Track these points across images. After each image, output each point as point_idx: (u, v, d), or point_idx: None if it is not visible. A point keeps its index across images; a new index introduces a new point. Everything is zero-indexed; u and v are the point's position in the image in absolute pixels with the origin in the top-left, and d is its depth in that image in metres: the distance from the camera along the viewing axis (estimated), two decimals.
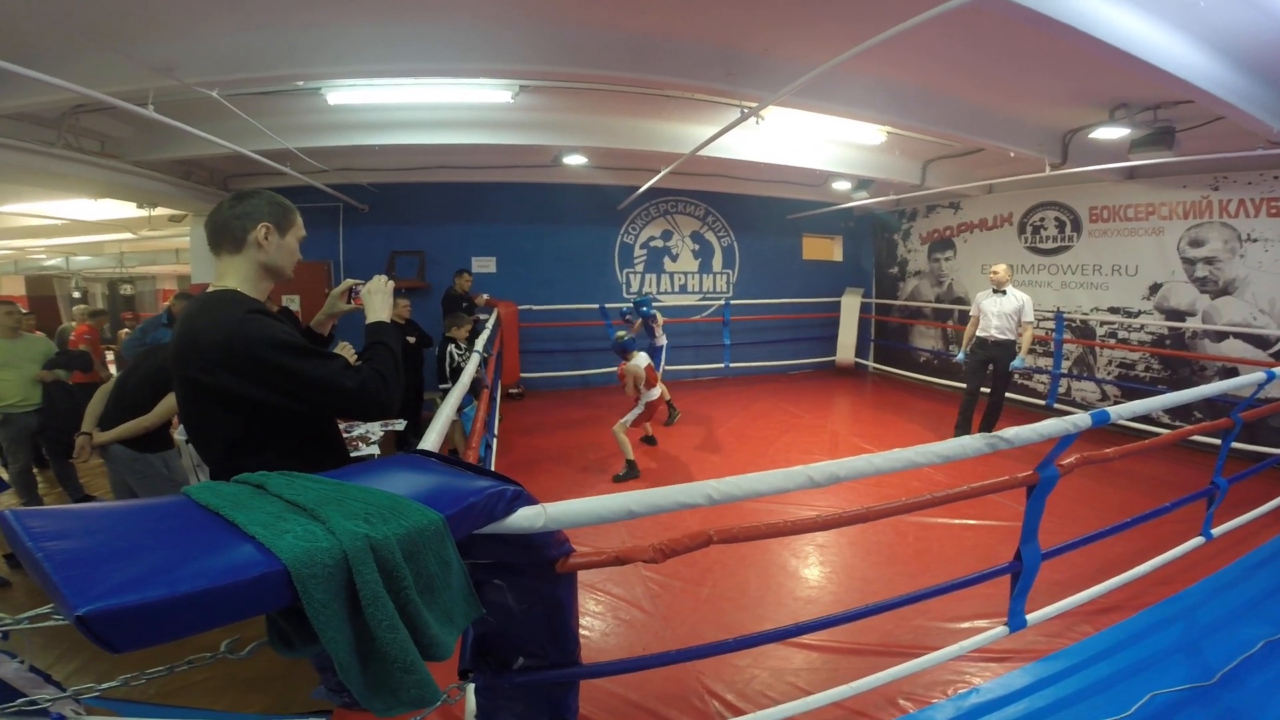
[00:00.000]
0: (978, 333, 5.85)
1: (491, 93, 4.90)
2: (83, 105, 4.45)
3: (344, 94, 4.75)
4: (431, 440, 1.82)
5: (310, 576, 0.87)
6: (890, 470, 1.75)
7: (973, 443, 1.88)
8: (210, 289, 1.64)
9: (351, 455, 4.18)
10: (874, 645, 2.80)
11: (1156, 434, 4.88)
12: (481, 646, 1.77)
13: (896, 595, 3.18)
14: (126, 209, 8.00)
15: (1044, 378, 7.33)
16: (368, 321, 1.77)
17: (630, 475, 5.19)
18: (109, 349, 8.47)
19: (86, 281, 15.12)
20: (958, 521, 4.03)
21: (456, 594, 1.09)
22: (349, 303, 2.02)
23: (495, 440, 5.78)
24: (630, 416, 5.36)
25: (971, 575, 2.29)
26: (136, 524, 0.93)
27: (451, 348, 5.49)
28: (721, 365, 9.18)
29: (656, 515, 1.57)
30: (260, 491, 1.06)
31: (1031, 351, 6.46)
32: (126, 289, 15.99)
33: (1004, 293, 5.67)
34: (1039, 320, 6.54)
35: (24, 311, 5.09)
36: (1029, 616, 2.46)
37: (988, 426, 5.84)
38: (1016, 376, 6.35)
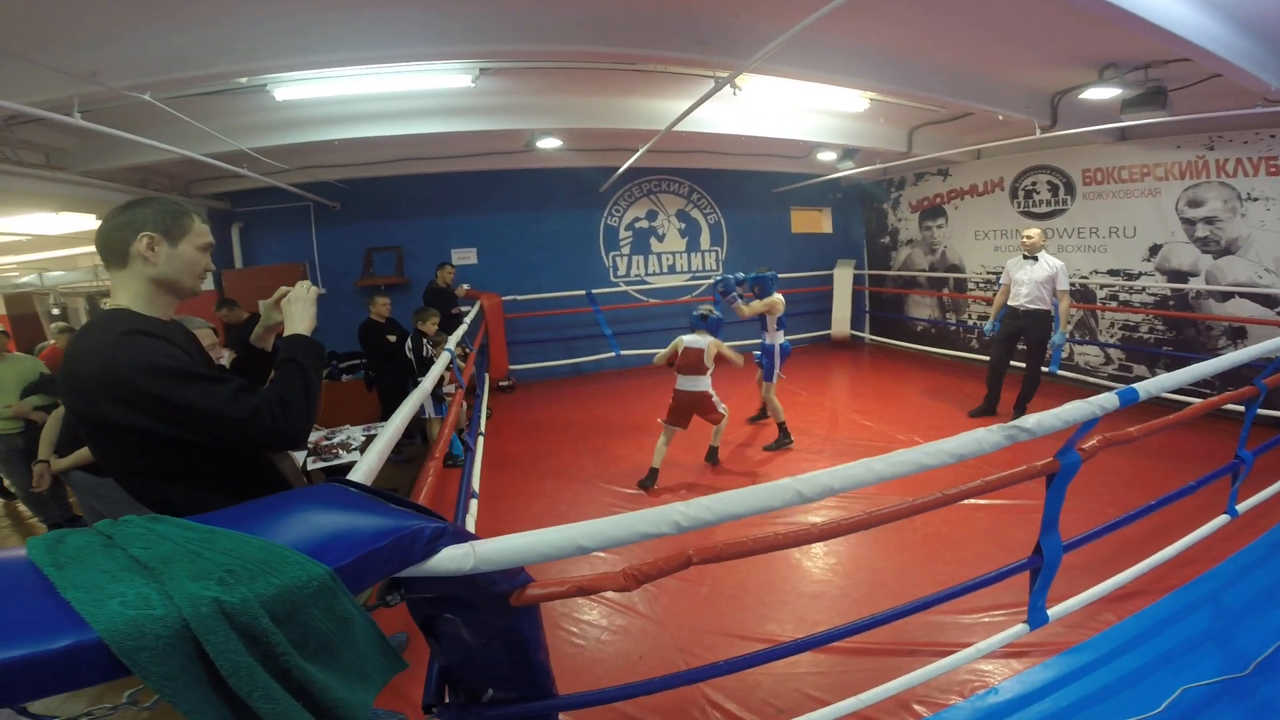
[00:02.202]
0: (1010, 302, 5.58)
1: (451, 78, 4.64)
2: (15, 117, 4.20)
3: (292, 89, 4.48)
4: (365, 467, 1.61)
5: (139, 649, 0.76)
6: (895, 476, 1.55)
7: (989, 436, 1.68)
8: (103, 308, 1.46)
9: (333, 463, 4.05)
10: (885, 644, 2.63)
11: (1176, 403, 4.73)
12: (449, 678, 1.61)
13: (906, 585, 3.11)
14: (89, 221, 7.71)
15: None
16: (284, 334, 1.58)
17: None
18: None
19: (65, 297, 14.74)
20: (969, 501, 3.85)
21: (367, 649, 0.98)
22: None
23: (482, 438, 5.60)
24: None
25: (988, 575, 2.11)
26: None
27: (425, 342, 5.29)
28: None
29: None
30: (108, 543, 0.89)
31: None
32: (106, 302, 15.59)
33: (1035, 259, 5.39)
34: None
35: (3, 330, 4.93)
36: (1050, 611, 2.29)
37: (1022, 404, 5.65)
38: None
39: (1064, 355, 6.93)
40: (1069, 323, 5.45)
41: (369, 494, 1.19)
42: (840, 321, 9.78)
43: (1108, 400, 1.93)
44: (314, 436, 4.72)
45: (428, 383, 2.91)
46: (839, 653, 2.63)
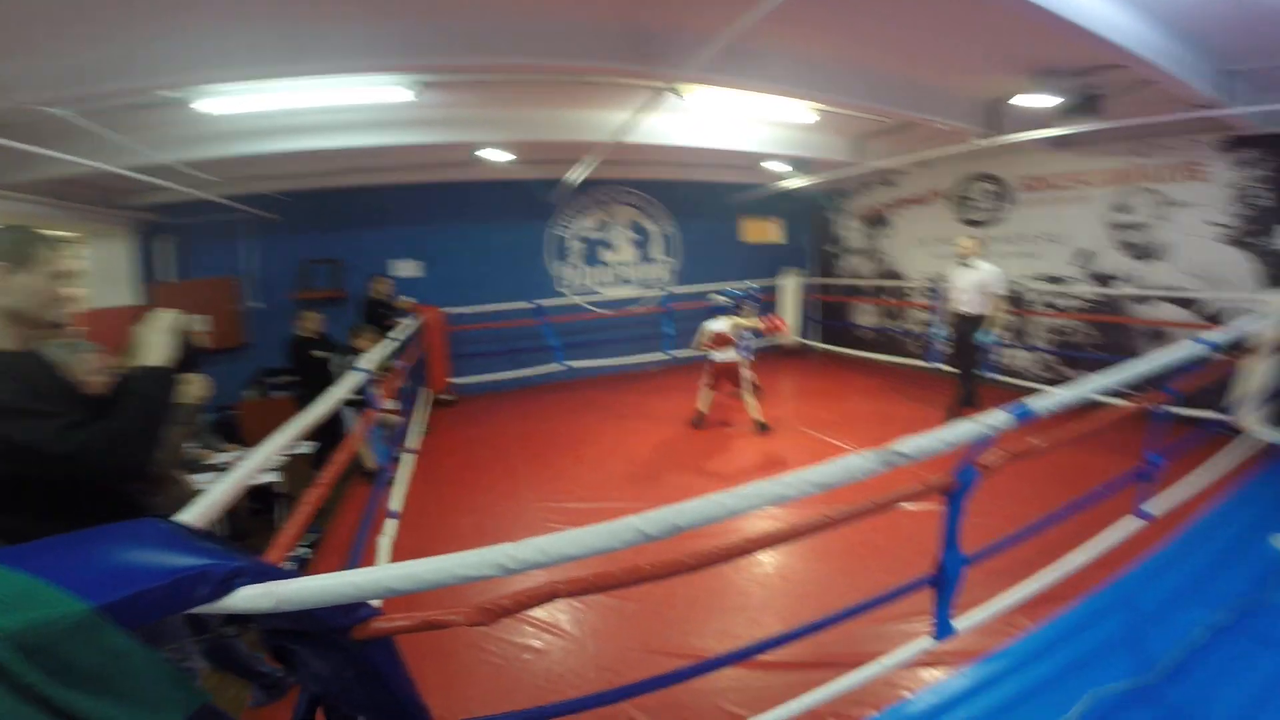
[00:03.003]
0: (951, 307, 5.80)
1: (391, 92, 4.49)
2: None
3: (214, 103, 4.28)
4: (201, 506, 1.52)
5: None
6: (748, 510, 1.48)
7: (862, 463, 1.61)
8: None
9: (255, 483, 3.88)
10: (803, 658, 2.58)
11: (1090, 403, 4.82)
12: (321, 706, 1.54)
13: (830, 596, 3.07)
14: None
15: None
16: (134, 364, 1.55)
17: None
18: None
19: None
20: (903, 505, 3.85)
21: (153, 681, 0.99)
22: None
23: (413, 455, 5.46)
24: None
25: (889, 591, 2.09)
26: None
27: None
28: (666, 355, 8.95)
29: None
30: None
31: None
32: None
33: (971, 266, 5.60)
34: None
35: None
36: (957, 622, 2.27)
37: (957, 406, 5.73)
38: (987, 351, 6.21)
39: (999, 359, 7.08)
40: (997, 325, 5.59)
41: (182, 532, 1.18)
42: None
43: (999, 419, 1.90)
44: (227, 456, 4.54)
45: (323, 407, 2.78)
46: (759, 667, 2.58)
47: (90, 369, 2.17)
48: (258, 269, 7.70)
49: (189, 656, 2.01)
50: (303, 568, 3.81)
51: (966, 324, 5.63)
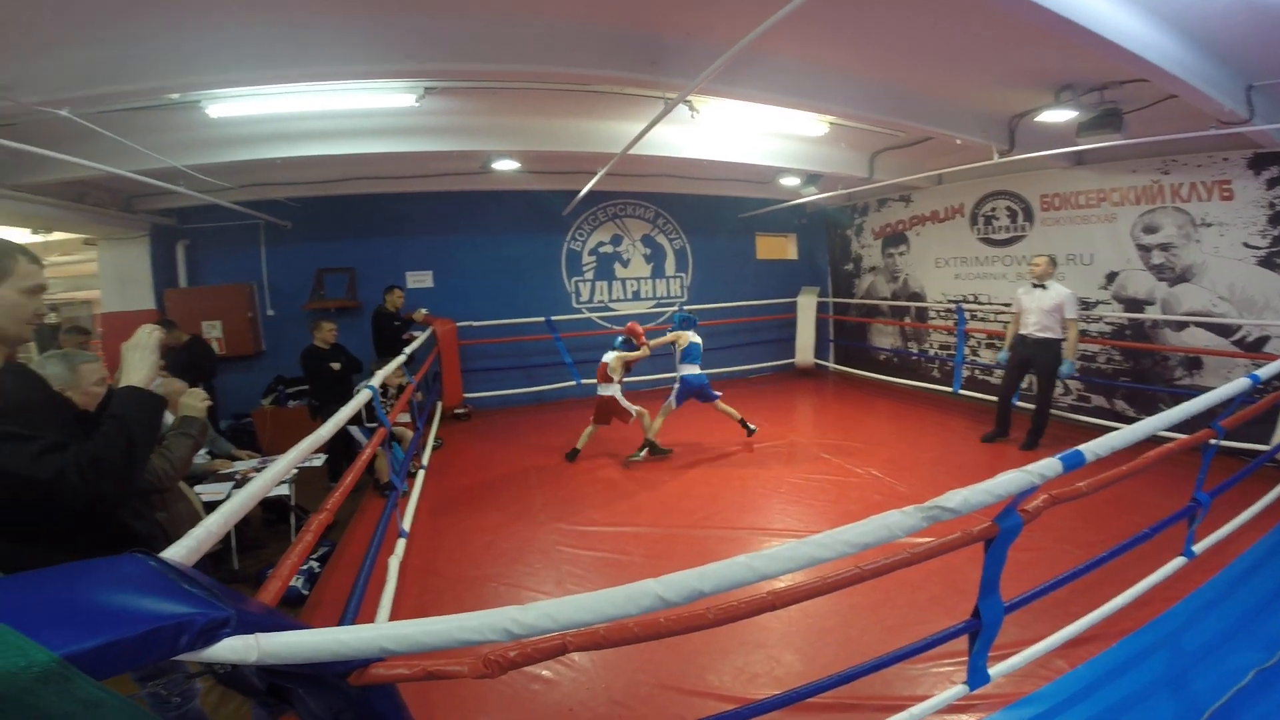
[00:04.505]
0: (1020, 330, 5.49)
1: (395, 97, 4.48)
2: None
3: (226, 106, 4.28)
4: (198, 535, 1.43)
5: None
6: (782, 573, 1.36)
7: (903, 520, 1.49)
8: None
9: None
10: (829, 701, 2.42)
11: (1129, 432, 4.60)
12: None
13: (854, 632, 2.93)
14: (23, 235, 7.36)
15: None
16: (119, 384, 1.50)
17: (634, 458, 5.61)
18: None
19: None
20: (921, 541, 3.71)
21: None
22: None
23: (423, 471, 5.36)
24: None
25: (924, 640, 1.95)
26: None
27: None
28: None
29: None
30: None
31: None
32: (51, 317, 15.00)
33: (1044, 287, 5.31)
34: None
35: None
36: (993, 670, 2.13)
37: (1034, 438, 5.52)
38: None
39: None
40: (1072, 352, 5.31)
41: (168, 573, 1.09)
42: (804, 350, 9.70)
43: (1048, 467, 1.77)
44: (244, 465, 4.47)
45: (327, 429, 2.70)
46: (786, 710, 2.43)
47: (92, 380, 2.09)
48: (269, 276, 7.67)
49: (185, 683, 1.92)
50: (311, 582, 3.72)
51: (1038, 350, 5.32)
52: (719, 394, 5.92)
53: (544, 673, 2.74)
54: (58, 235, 7.18)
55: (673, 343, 5.85)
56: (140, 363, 1.54)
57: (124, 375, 1.51)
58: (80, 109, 3.63)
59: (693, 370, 5.78)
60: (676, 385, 5.79)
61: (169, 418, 1.98)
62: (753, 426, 6.04)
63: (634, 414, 5.62)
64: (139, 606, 0.97)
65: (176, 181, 5.31)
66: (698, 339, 5.88)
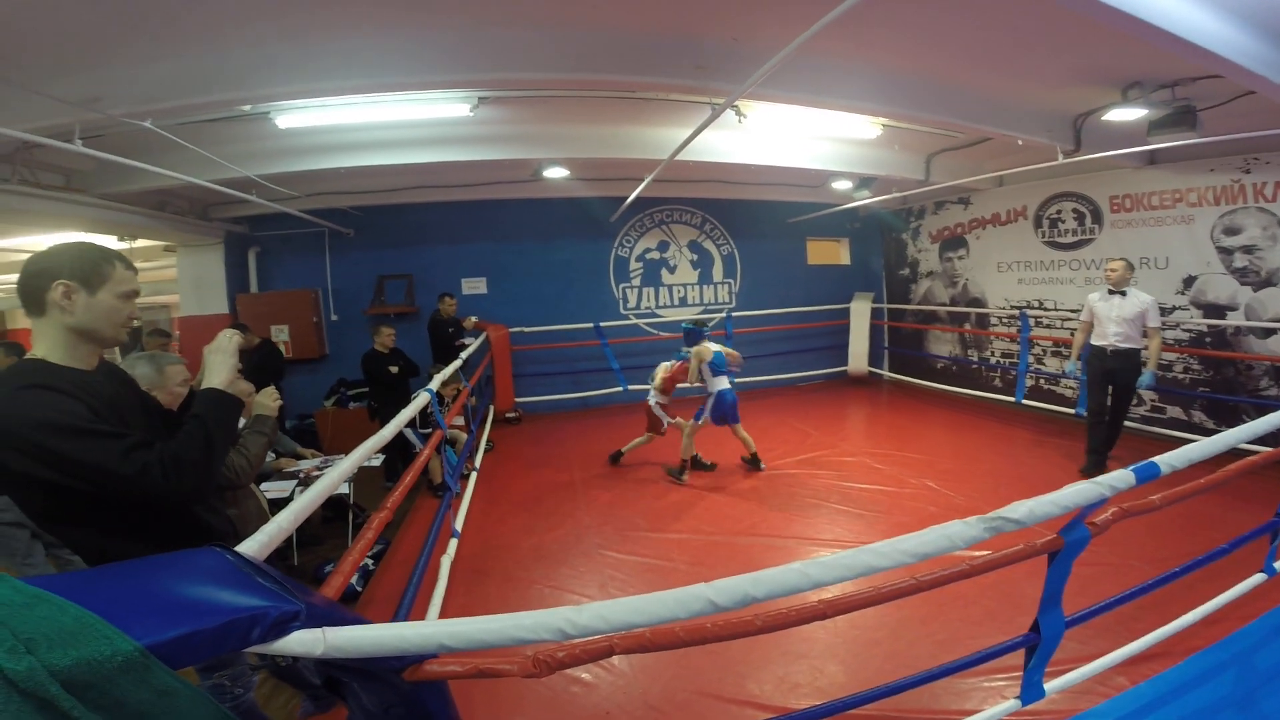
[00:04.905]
0: (1094, 341, 5.03)
1: (450, 107, 4.63)
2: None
3: (293, 117, 4.51)
4: (270, 531, 1.49)
5: None
6: (836, 581, 1.35)
7: (965, 530, 1.45)
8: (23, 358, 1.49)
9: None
10: (873, 713, 2.37)
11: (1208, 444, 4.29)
12: None
13: (901, 645, 2.85)
14: (109, 242, 7.88)
15: (1072, 382, 6.75)
16: (201, 385, 1.58)
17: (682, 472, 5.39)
18: None
19: None
20: (980, 553, 3.57)
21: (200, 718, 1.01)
22: None
23: (475, 473, 5.47)
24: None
25: (979, 653, 1.88)
26: None
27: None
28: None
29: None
30: None
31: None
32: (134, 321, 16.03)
33: (1123, 294, 4.86)
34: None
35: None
36: (1049, 685, 2.03)
37: (1102, 456, 5.07)
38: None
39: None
40: (1154, 363, 4.90)
41: (243, 566, 1.15)
42: (857, 357, 9.49)
43: (1120, 479, 1.70)
44: (307, 464, 4.65)
45: (389, 430, 2.79)
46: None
47: (176, 381, 2.22)
48: (333, 282, 7.99)
49: (245, 676, 2.00)
50: (365, 579, 3.84)
51: (1120, 363, 4.89)
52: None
53: (583, 675, 2.76)
54: (141, 242, 7.67)
55: (700, 363, 5.39)
56: (221, 365, 1.60)
57: (206, 377, 1.59)
58: (161, 120, 3.81)
59: (725, 385, 5.42)
60: (710, 400, 5.39)
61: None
62: (763, 465, 5.60)
63: (666, 424, 5.64)
64: (217, 599, 1.03)
65: (249, 190, 5.60)
66: (717, 345, 5.53)
